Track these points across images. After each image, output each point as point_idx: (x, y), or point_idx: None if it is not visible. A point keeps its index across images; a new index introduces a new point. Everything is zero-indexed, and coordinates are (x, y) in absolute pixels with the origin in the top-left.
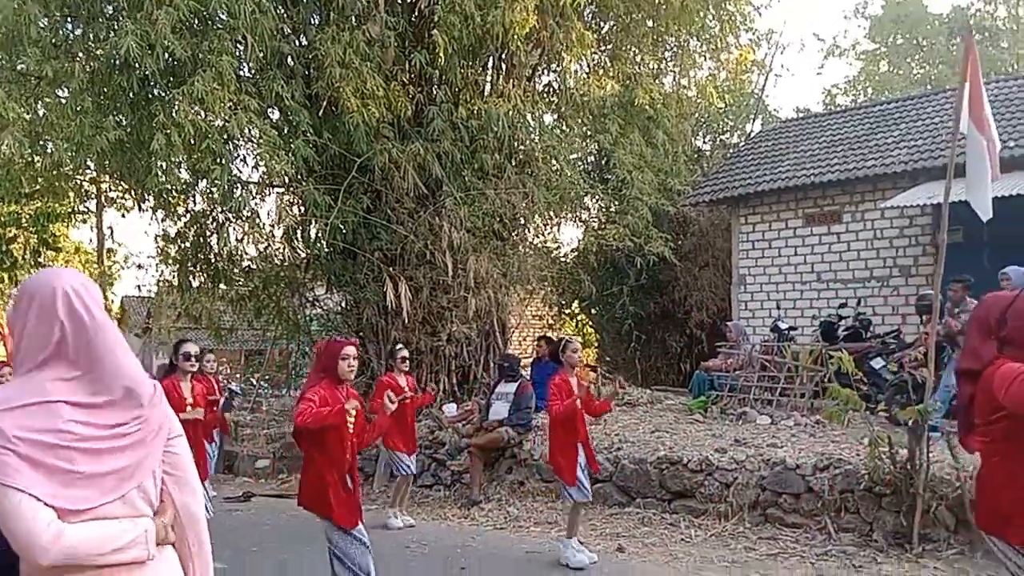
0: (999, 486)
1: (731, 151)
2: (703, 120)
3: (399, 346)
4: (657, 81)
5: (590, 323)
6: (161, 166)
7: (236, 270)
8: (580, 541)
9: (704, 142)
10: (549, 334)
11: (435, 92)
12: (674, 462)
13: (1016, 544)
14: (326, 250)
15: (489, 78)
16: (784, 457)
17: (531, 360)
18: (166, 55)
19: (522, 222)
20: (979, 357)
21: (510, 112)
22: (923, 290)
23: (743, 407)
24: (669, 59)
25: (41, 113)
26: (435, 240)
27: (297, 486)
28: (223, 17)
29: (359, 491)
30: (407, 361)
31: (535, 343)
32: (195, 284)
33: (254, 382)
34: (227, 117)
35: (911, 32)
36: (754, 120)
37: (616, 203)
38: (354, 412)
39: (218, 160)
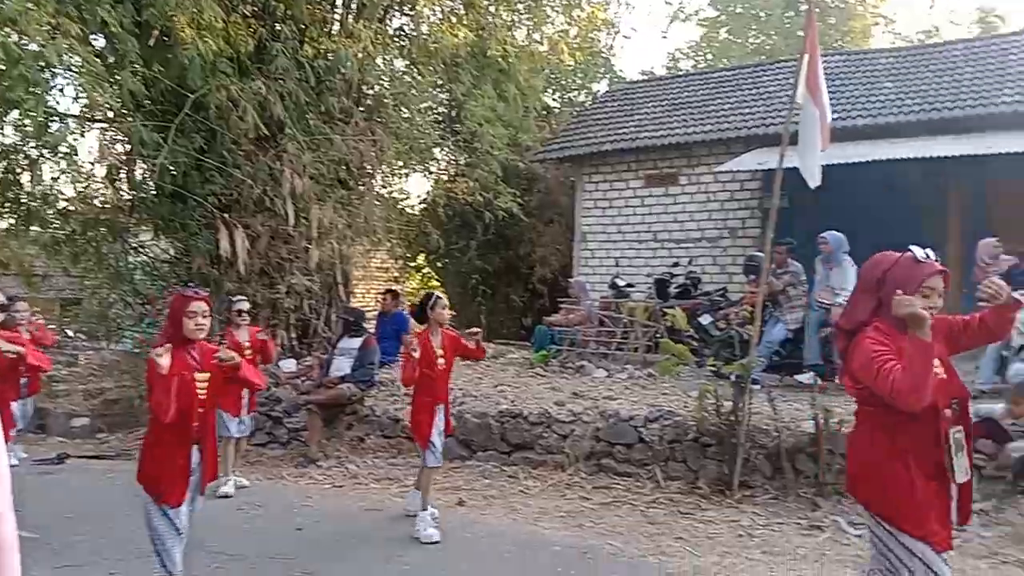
0: (859, 450)
1: (579, 110)
2: (553, 77)
3: (238, 297)
4: (510, 33)
5: (436, 277)
6: None
7: (51, 211)
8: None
9: (554, 99)
10: (395, 287)
11: (279, 28)
12: (515, 415)
13: (871, 509)
14: (153, 193)
15: (338, 17)
16: (618, 409)
17: (376, 314)
18: None
19: (369, 171)
20: (853, 316)
21: (360, 54)
22: (750, 251)
23: (581, 361)
24: (523, 11)
25: None
26: (275, 186)
27: (117, 446)
28: None
29: (208, 462)
30: (244, 314)
31: (380, 296)
32: (2, 226)
33: (71, 334)
34: (44, 41)
35: (750, 2)
36: (601, 80)
37: (466, 156)
38: (205, 377)
39: (32, 89)
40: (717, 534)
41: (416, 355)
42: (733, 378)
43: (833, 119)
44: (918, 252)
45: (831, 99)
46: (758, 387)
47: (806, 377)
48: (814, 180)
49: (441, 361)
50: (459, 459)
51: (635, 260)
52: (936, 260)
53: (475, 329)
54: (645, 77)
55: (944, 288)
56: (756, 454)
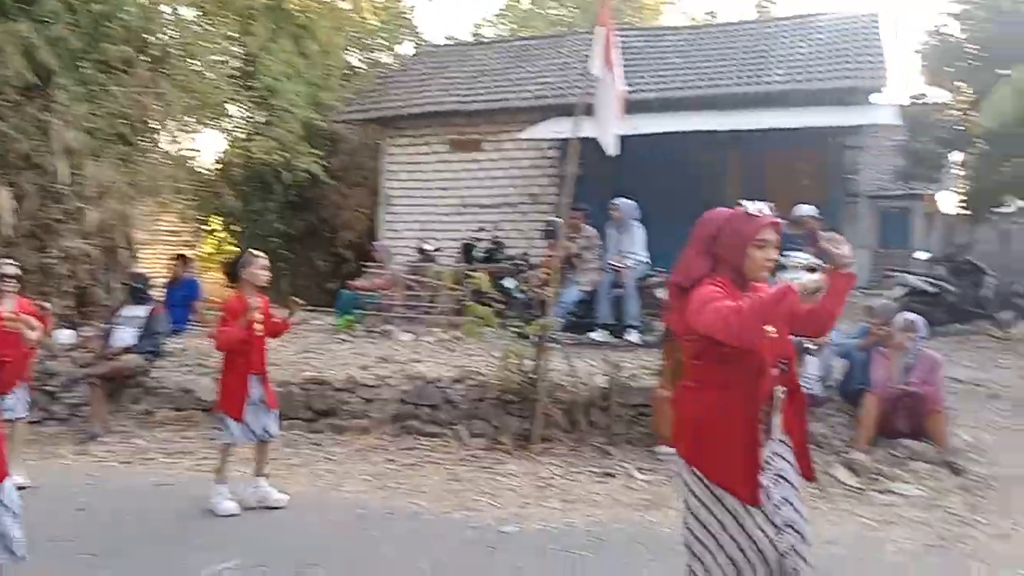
0: (684, 404)
1: (384, 71)
2: (356, 36)
3: (3, 261)
4: None
5: (233, 241)
6: None
7: None
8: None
9: (358, 59)
10: (185, 252)
11: None
12: (319, 382)
13: (690, 463)
14: None
15: None
16: (424, 372)
17: (166, 280)
18: None
19: (154, 126)
20: (689, 273)
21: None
22: (549, 217)
23: (388, 326)
24: None
25: None
26: (45, 140)
27: None
28: None
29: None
30: (10, 280)
31: (170, 262)
32: None
33: None
34: None
35: None
36: (405, 42)
37: (264, 113)
38: None
39: None
40: (518, 486)
41: (257, 317)
42: (534, 338)
43: (626, 91)
44: (749, 206)
45: (624, 73)
46: (556, 346)
47: (599, 335)
48: (611, 149)
49: (259, 326)
50: None
51: (442, 225)
52: (768, 213)
53: (297, 300)
54: (450, 42)
55: (777, 240)
56: (554, 409)
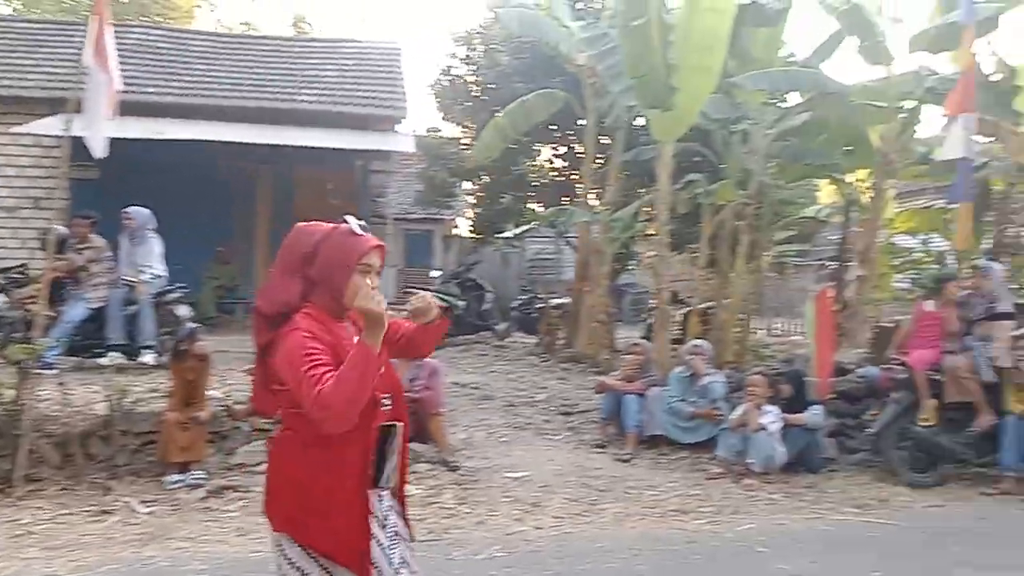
0: (279, 461)
1: None
2: None
3: None
4: None
5: None
6: None
7: None
8: None
9: None
10: None
11: None
12: None
13: (288, 532)
14: None
15: None
16: None
17: None
18: None
19: None
20: (276, 298)
21: None
22: (55, 224)
23: None
24: None
25: None
26: None
27: None
28: None
29: None
30: None
31: None
32: None
33: None
34: None
35: None
36: None
37: None
38: None
39: None
40: None
41: None
42: (19, 363)
43: (145, 93)
44: (354, 224)
45: (145, 73)
46: (52, 371)
47: (110, 357)
48: (99, 151)
49: None
50: None
51: None
52: (371, 233)
53: None
54: None
55: (380, 265)
56: (44, 444)
